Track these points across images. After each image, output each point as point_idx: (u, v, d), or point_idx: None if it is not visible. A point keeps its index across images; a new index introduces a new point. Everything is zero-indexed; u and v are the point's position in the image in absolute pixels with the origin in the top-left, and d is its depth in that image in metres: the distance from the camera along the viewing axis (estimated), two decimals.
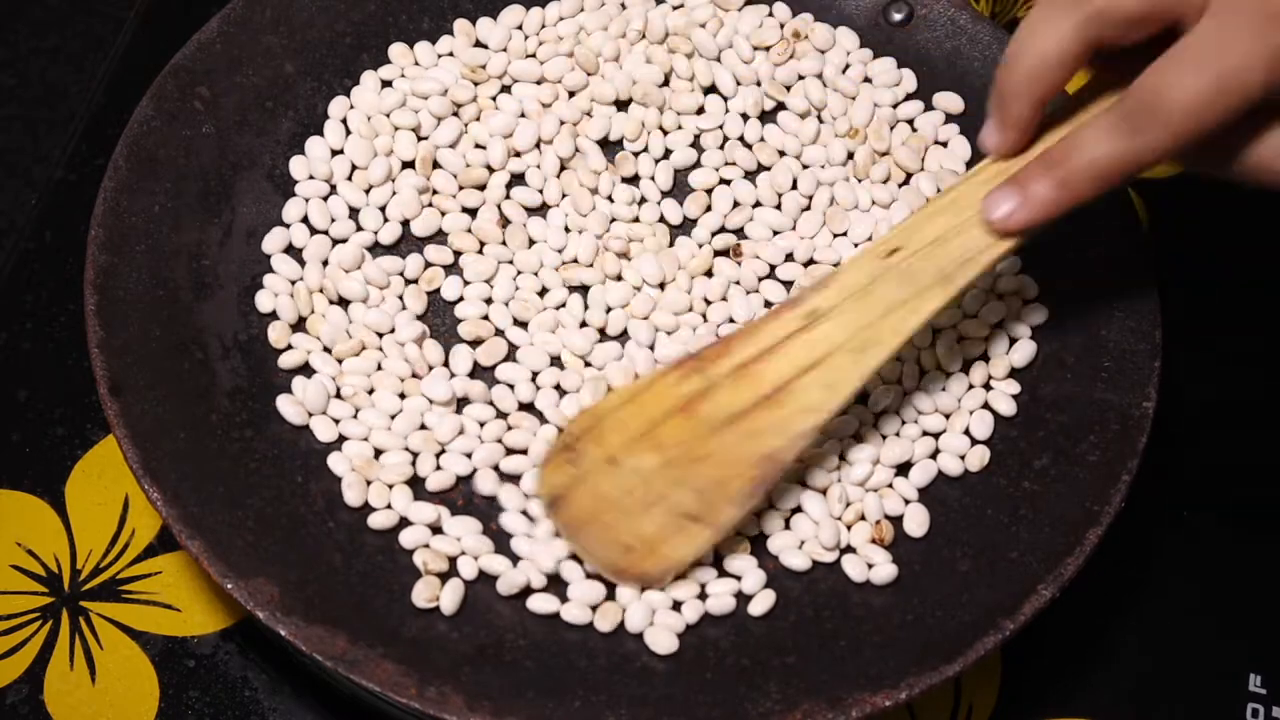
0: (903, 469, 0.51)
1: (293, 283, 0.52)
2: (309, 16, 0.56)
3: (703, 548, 0.47)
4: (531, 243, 0.54)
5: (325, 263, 0.53)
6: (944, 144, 0.57)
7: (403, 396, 0.50)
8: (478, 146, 0.56)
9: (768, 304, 0.53)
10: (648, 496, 0.47)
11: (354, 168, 0.55)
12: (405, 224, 0.54)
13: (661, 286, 0.53)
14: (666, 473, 0.47)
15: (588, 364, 0.52)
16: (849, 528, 0.49)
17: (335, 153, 0.55)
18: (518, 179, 0.55)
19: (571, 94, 0.57)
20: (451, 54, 0.57)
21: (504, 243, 0.54)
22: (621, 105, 0.57)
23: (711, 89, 0.57)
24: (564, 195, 0.55)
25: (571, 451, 0.47)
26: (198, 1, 0.61)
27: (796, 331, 0.47)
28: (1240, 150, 0.42)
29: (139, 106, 0.52)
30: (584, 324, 0.52)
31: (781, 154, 0.56)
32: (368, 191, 0.54)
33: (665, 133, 0.56)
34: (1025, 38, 0.43)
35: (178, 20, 0.61)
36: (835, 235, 0.55)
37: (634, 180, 0.56)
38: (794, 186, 0.55)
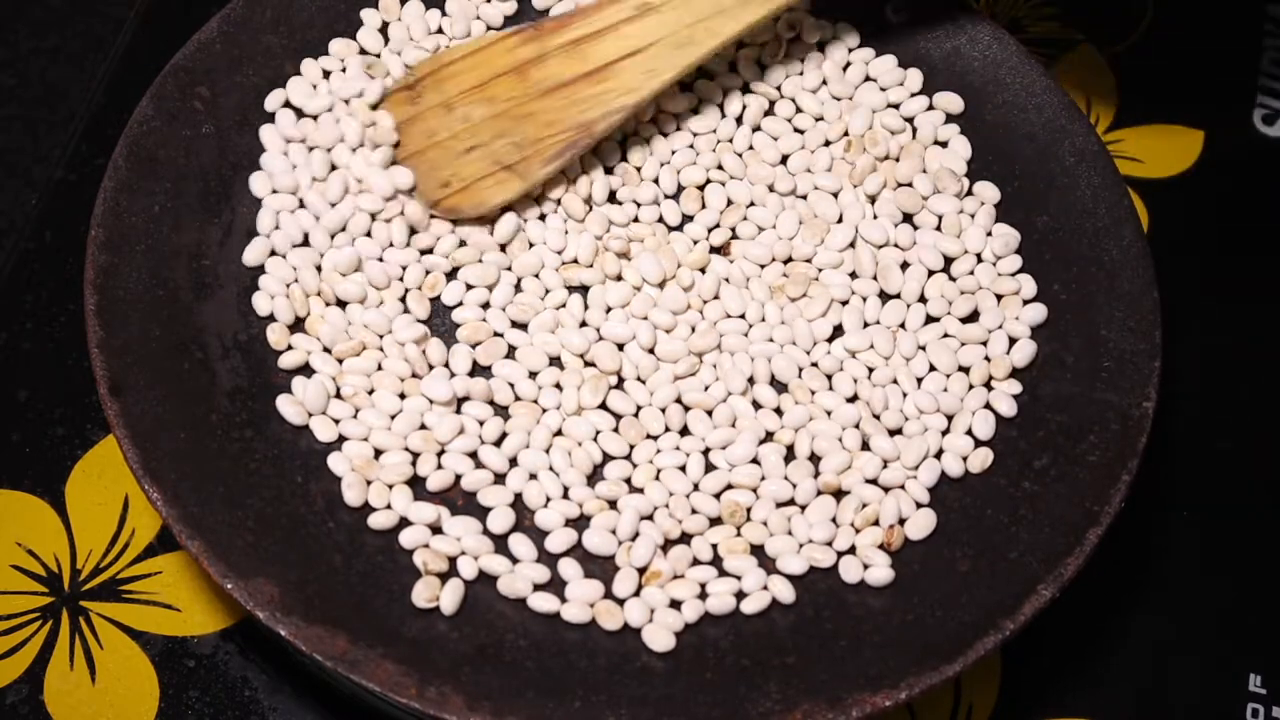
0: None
1: (288, 285, 0.52)
2: (309, 16, 0.56)
3: (511, 196, 0.53)
4: (530, 244, 0.54)
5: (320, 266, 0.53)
6: (944, 144, 0.57)
7: (403, 397, 0.50)
8: None
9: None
10: (473, 140, 0.53)
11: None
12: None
13: (661, 285, 0.53)
14: (493, 123, 0.53)
15: (588, 364, 0.52)
16: (858, 531, 0.49)
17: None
18: None
19: None
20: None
21: (503, 246, 0.54)
22: None
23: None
24: (564, 195, 0.55)
25: (413, 91, 0.53)
26: (198, 1, 0.61)
27: (628, 19, 0.53)
28: None
29: (139, 106, 0.52)
30: (584, 324, 0.52)
31: (785, 159, 0.56)
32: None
33: (665, 134, 0.56)
34: None
35: (178, 20, 0.61)
36: (826, 234, 0.55)
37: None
38: (793, 190, 0.56)
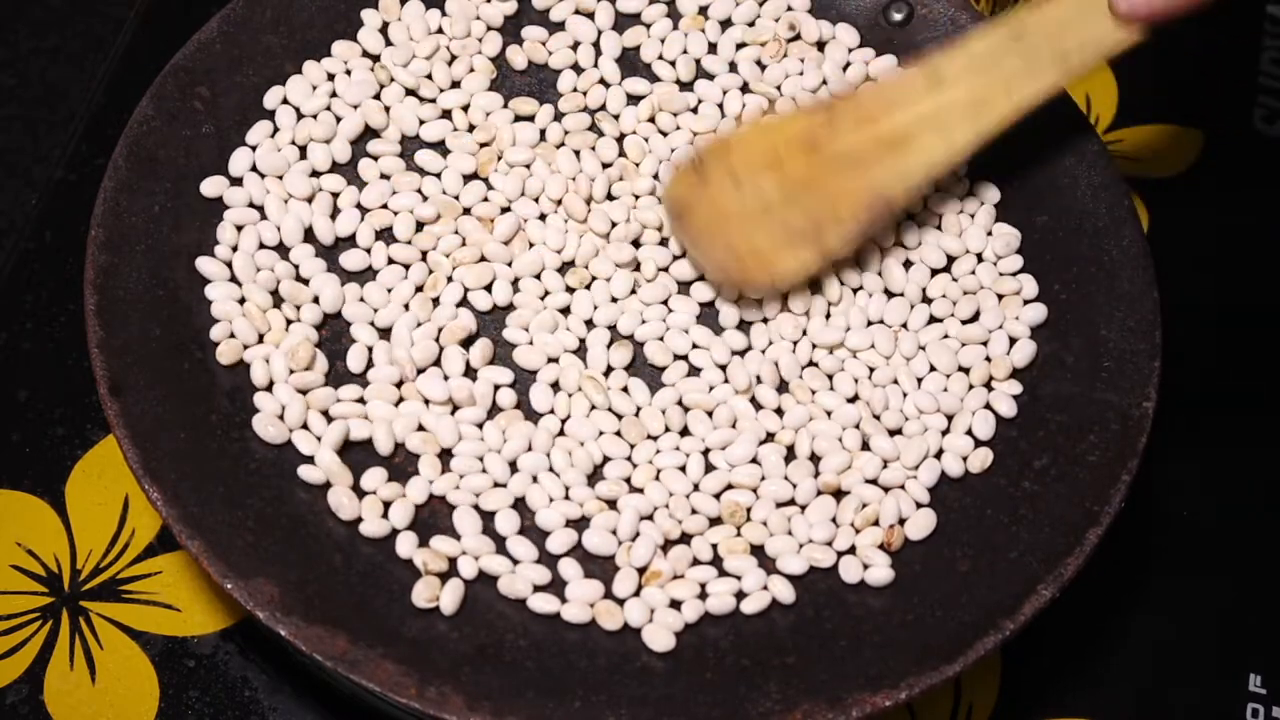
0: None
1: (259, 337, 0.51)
2: (309, 16, 0.56)
3: (808, 265, 0.51)
4: (530, 244, 0.54)
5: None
6: None
7: (399, 402, 0.50)
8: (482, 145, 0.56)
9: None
10: (763, 211, 0.50)
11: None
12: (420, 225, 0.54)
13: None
14: (783, 193, 0.50)
15: (586, 364, 0.52)
16: (858, 531, 0.49)
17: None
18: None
19: None
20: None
21: (505, 243, 0.54)
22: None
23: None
24: (564, 195, 0.55)
25: (698, 168, 0.51)
26: (198, 1, 0.61)
27: (920, 90, 0.50)
28: None
29: (139, 106, 0.52)
30: (590, 323, 0.52)
31: None
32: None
33: (664, 134, 0.56)
34: None
35: (178, 20, 0.61)
36: None
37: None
38: None
